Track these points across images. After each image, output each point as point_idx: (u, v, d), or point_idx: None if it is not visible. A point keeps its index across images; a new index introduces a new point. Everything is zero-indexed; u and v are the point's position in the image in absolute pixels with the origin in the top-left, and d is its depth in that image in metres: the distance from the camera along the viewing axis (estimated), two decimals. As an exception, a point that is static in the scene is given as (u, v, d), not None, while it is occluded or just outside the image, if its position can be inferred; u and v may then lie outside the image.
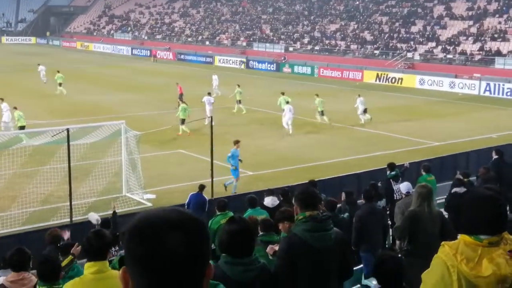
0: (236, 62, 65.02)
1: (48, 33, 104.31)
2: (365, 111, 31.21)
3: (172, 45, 79.81)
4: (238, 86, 34.67)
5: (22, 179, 18.65)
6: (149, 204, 17.21)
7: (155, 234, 1.76)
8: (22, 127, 24.69)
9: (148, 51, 75.87)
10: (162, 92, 40.87)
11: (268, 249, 5.88)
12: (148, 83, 46.47)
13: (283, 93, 31.91)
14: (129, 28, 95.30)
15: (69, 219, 15.35)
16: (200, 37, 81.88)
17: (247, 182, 19.60)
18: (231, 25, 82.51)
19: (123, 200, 17.33)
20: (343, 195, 12.73)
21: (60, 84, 40.12)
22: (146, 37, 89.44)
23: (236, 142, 19.35)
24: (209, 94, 31.78)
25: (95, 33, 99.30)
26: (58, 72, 41.05)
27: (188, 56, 71.63)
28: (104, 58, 72.86)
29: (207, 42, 79.27)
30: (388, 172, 14.69)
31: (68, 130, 15.64)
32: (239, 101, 34.07)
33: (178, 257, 1.74)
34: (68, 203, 15.59)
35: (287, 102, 29.77)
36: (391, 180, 14.34)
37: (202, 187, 14.35)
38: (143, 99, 38.24)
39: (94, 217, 12.29)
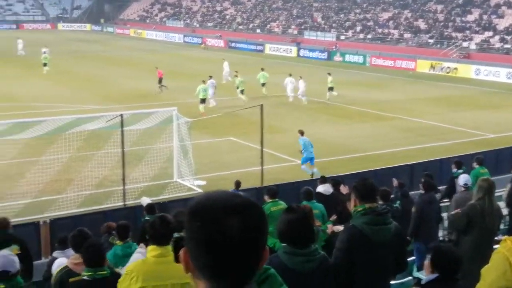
0: (287, 51, 64.83)
1: (102, 20, 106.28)
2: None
3: (223, 32, 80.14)
4: (262, 69, 36.05)
5: (77, 163, 19.17)
6: (200, 191, 17.41)
7: (216, 218, 1.80)
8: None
9: (200, 39, 76.41)
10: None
11: (328, 229, 5.87)
12: (199, 70, 46.82)
13: (262, 69, 34.56)
14: (181, 16, 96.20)
15: (122, 203, 15.71)
16: (251, 25, 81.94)
17: (296, 171, 19.57)
18: (282, 13, 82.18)
19: (174, 186, 17.60)
20: (395, 181, 12.53)
21: (44, 64, 42.77)
22: (197, 25, 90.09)
23: (301, 132, 19.50)
24: (210, 77, 31.91)
25: (147, 21, 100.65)
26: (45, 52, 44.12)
27: (239, 44, 71.80)
28: (156, 45, 73.81)
29: (258, 30, 79.24)
30: (454, 170, 13.87)
31: (122, 116, 15.96)
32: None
33: (237, 241, 1.78)
34: (122, 187, 15.95)
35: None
36: (455, 178, 13.71)
37: (238, 184, 13.85)
38: (194, 86, 38.50)
39: (146, 201, 12.51)
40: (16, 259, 5.71)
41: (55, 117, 18.75)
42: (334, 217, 10.08)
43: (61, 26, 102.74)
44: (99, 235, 9.31)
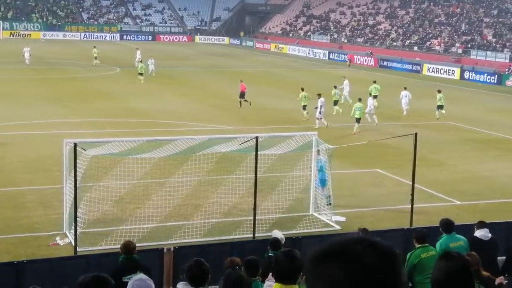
0: (448, 72, 63.06)
1: (241, 33, 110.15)
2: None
3: (374, 49, 79.77)
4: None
5: (206, 187, 19.91)
6: (338, 227, 17.35)
7: (354, 257, 1.85)
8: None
9: (346, 55, 76.63)
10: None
11: (498, 279, 5.59)
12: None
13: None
14: (328, 30, 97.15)
15: (251, 235, 16.05)
16: (407, 42, 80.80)
17: (451, 213, 18.86)
18: (445, 28, 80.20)
19: (310, 220, 17.68)
20: None
21: (140, 74, 47.98)
22: (345, 40, 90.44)
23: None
24: (319, 95, 32.25)
25: (291, 34, 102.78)
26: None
27: (392, 62, 70.99)
28: (298, 61, 75.11)
29: (415, 48, 77.94)
30: None
31: (257, 138, 16.33)
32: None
33: (379, 280, 1.83)
34: (252, 218, 16.30)
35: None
36: None
37: (365, 231, 11.77)
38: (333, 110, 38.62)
39: (278, 236, 12.68)
40: (153, 284, 6.09)
41: (186, 136, 19.68)
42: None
43: (198, 38, 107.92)
44: (222, 269, 9.55)
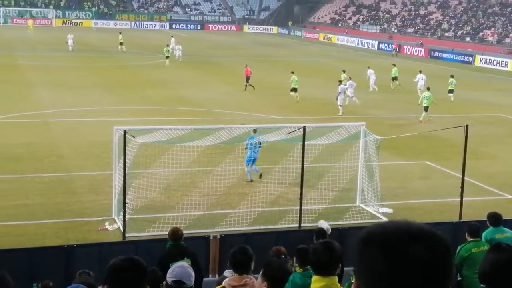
0: (501, 63, 61.68)
1: (290, 23, 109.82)
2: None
3: (425, 40, 78.56)
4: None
5: (253, 176, 19.99)
6: (385, 219, 17.20)
7: (397, 246, 1.80)
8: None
9: (397, 46, 75.67)
10: (408, 94, 40.46)
11: None
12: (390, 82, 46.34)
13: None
14: (378, 20, 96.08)
15: (297, 225, 16.07)
16: (459, 32, 79.30)
17: (502, 206, 18.49)
18: (499, 19, 78.39)
19: (356, 211, 17.59)
20: None
21: (167, 57, 52.00)
22: (395, 30, 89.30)
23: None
24: (340, 82, 34.60)
25: (339, 24, 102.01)
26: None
27: (443, 53, 69.83)
28: (346, 52, 74.51)
29: (468, 39, 76.43)
30: None
31: (304, 128, 16.32)
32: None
33: (422, 272, 1.78)
34: (298, 207, 16.31)
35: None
36: None
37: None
38: (385, 100, 38.27)
39: (324, 226, 12.65)
40: (193, 273, 6.14)
41: (233, 125, 19.78)
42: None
43: (246, 28, 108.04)
44: (267, 258, 9.58)
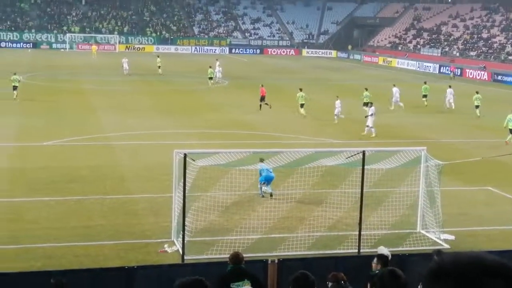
0: None
1: (350, 47, 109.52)
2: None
3: (488, 63, 77.07)
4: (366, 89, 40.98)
5: (311, 200, 19.91)
6: (447, 246, 16.83)
7: (474, 282, 1.75)
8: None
9: (459, 69, 74.42)
10: (469, 117, 39.68)
11: None
12: (457, 106, 45.58)
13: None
14: (439, 43, 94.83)
15: (356, 250, 15.88)
16: (523, 55, 77.50)
17: None
18: None
19: (417, 237, 17.27)
20: None
21: (210, 78, 54.36)
22: (457, 54, 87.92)
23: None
24: (370, 103, 34.49)
25: (399, 48, 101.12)
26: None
27: (507, 77, 68.33)
28: (407, 75, 73.67)
29: (533, 61, 74.62)
30: None
31: (364, 152, 16.21)
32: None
33: None
34: (357, 233, 16.13)
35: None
36: None
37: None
38: (444, 124, 37.67)
39: (384, 252, 12.46)
40: None
41: (292, 149, 19.78)
42: None
43: (305, 52, 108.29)
44: (325, 283, 9.51)
